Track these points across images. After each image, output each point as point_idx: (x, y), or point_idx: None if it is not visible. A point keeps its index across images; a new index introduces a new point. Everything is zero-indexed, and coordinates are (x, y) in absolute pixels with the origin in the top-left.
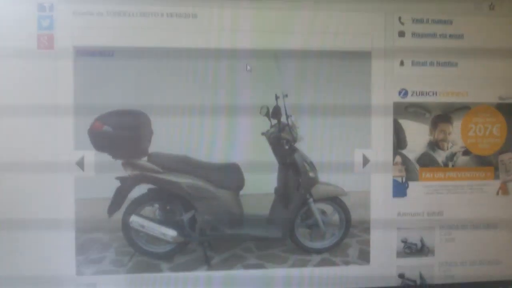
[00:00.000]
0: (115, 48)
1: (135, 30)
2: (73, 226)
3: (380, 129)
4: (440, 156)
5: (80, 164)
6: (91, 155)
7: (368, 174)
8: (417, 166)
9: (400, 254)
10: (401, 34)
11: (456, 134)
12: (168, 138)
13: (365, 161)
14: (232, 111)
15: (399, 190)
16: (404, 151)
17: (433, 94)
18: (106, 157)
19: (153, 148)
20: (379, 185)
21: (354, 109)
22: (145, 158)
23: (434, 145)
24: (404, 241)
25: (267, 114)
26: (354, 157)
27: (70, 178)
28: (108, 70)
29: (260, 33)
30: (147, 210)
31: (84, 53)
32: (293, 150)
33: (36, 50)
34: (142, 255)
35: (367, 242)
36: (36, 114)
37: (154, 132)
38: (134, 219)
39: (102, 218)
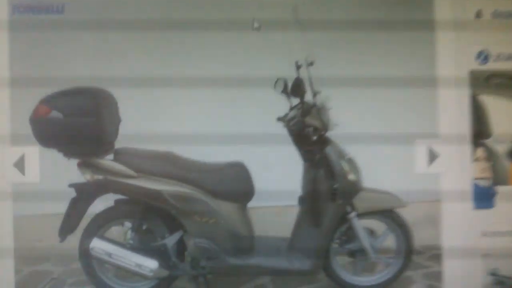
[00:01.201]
0: (66, 1)
1: None
2: (11, 255)
3: (452, 110)
4: None
5: (19, 166)
6: (34, 154)
7: (436, 176)
8: (509, 163)
9: None
10: None
11: None
12: (143, 128)
13: (432, 156)
14: (235, 86)
15: (483, 198)
16: (489, 142)
17: None
18: (55, 156)
19: (122, 142)
20: (454, 191)
21: (413, 82)
22: (111, 156)
23: None
24: (494, 274)
25: (284, 91)
26: (416, 151)
27: (6, 187)
28: (57, 32)
29: None
30: (115, 231)
31: (23, 9)
32: (325, 141)
33: None
34: None
35: (437, 276)
36: None
37: (122, 119)
38: (97, 245)
39: (51, 242)
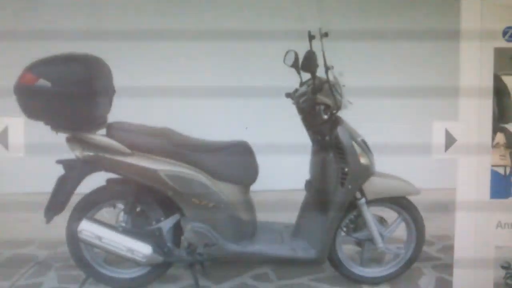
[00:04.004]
0: None
1: None
2: None
3: (473, 92)
4: None
5: (2, 139)
6: (18, 126)
7: (453, 162)
8: None
9: (499, 287)
10: None
11: None
12: (139, 100)
13: (449, 140)
14: (240, 57)
15: (501, 187)
16: (510, 126)
17: None
18: (42, 129)
19: (116, 115)
20: (470, 179)
21: (433, 61)
22: (103, 131)
23: None
24: (506, 267)
25: (295, 64)
26: (432, 134)
27: None
28: None
29: None
30: (106, 213)
31: None
32: (336, 121)
33: None
34: (98, 282)
35: (448, 268)
36: None
37: (116, 90)
38: (86, 227)
39: (36, 224)
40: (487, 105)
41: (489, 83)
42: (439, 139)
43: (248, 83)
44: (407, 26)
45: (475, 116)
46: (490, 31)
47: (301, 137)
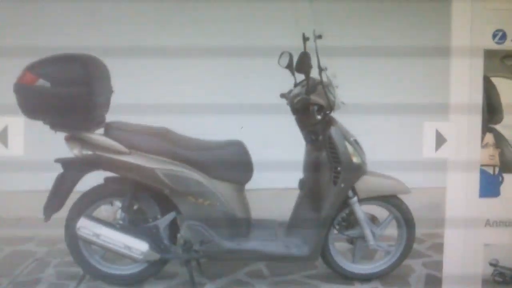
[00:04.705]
0: None
1: None
2: None
3: (463, 92)
4: None
5: (2, 138)
6: (18, 125)
7: (443, 161)
8: None
9: (487, 284)
10: None
11: None
12: (137, 100)
13: (439, 140)
14: (236, 59)
15: (489, 186)
16: (499, 127)
17: None
18: (41, 128)
19: (113, 115)
20: (460, 178)
21: (424, 61)
22: (101, 131)
23: None
24: (494, 264)
25: (289, 65)
26: (423, 134)
27: None
28: None
29: None
30: (104, 210)
31: None
32: (329, 121)
33: None
34: (96, 278)
35: (438, 265)
36: None
37: (114, 90)
38: (84, 224)
39: (35, 221)
40: (477, 106)
41: (479, 84)
42: (430, 139)
43: (243, 84)
44: (398, 33)
45: (465, 117)
46: (480, 33)
47: (295, 136)
